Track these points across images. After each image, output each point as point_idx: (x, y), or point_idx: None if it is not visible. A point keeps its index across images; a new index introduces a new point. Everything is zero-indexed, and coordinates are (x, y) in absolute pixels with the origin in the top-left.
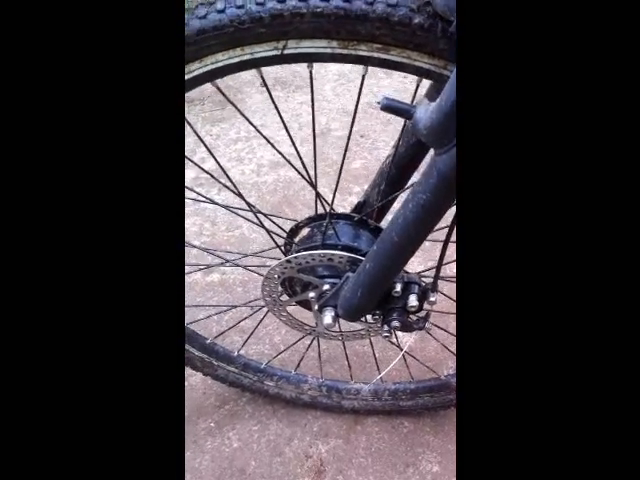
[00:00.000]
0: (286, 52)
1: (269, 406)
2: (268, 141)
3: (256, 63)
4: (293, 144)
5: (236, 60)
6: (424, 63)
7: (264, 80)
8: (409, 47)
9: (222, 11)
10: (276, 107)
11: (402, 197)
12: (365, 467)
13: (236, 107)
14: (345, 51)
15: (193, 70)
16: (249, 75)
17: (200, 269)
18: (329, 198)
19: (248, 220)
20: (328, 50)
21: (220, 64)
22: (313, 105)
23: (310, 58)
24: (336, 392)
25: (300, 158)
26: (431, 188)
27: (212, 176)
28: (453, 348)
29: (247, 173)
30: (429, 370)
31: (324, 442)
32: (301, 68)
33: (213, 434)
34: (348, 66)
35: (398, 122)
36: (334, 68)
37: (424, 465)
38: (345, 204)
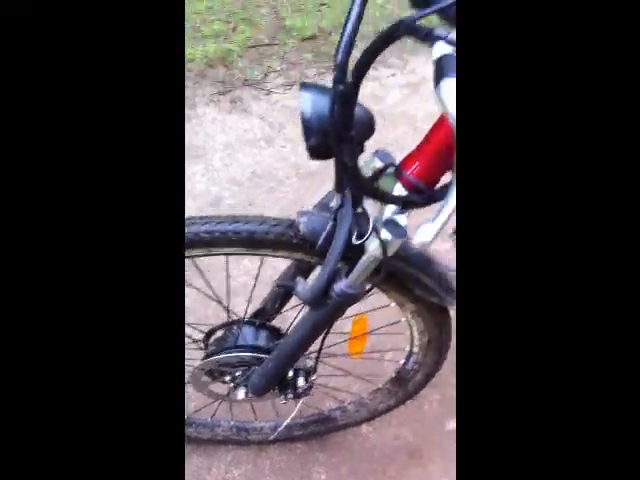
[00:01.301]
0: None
1: (188, 446)
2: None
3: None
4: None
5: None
6: (299, 256)
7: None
8: (290, 249)
9: None
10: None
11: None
12: None
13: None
14: (255, 252)
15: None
16: None
17: None
18: None
19: None
20: (245, 252)
21: None
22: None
23: (230, 254)
24: (244, 431)
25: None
26: (309, 327)
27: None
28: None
29: None
30: (315, 408)
31: (237, 468)
32: (197, 139)
33: None
34: (233, 136)
35: (280, 191)
36: (220, 139)
37: (315, 476)
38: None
